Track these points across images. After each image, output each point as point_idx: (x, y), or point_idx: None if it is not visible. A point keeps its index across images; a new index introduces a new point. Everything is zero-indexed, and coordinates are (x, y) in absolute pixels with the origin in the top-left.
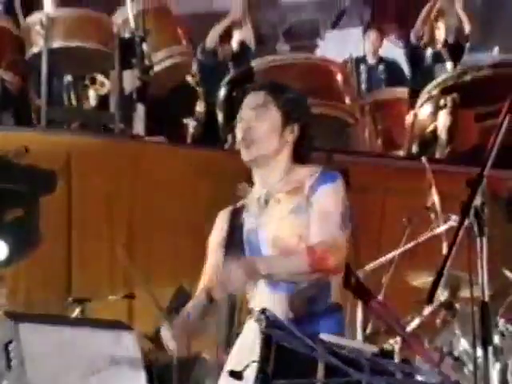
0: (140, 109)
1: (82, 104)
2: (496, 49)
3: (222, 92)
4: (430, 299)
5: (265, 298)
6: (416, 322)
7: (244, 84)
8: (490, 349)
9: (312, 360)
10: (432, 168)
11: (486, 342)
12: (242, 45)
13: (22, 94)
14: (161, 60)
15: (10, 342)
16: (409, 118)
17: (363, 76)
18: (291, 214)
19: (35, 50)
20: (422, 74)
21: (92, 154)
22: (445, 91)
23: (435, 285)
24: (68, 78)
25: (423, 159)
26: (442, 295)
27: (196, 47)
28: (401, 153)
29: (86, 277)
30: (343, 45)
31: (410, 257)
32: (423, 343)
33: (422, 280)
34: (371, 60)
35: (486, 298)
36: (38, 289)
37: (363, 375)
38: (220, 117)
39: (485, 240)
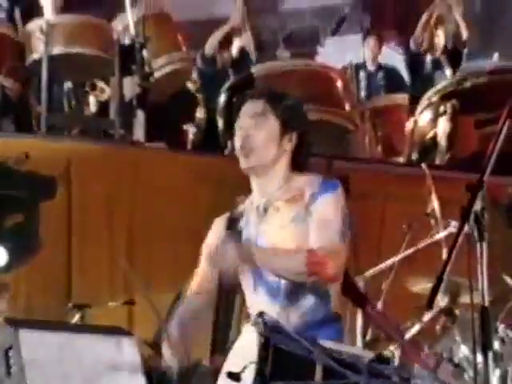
0: (140, 115)
1: (83, 110)
2: (496, 55)
3: (222, 98)
4: (429, 305)
5: (264, 307)
6: (416, 328)
7: (244, 90)
8: (490, 355)
9: (310, 362)
10: (432, 174)
11: (486, 347)
12: (242, 51)
13: (22, 101)
14: (161, 66)
15: (10, 348)
16: (409, 125)
17: (363, 83)
18: (291, 223)
19: (35, 56)
20: (421, 80)
21: (92, 161)
22: (445, 98)
23: (435, 290)
24: (68, 84)
25: (423, 165)
26: (441, 301)
27: (196, 54)
28: (401, 159)
29: (85, 283)
30: (343, 51)
31: (409, 263)
32: (421, 349)
33: (422, 286)
34: (370, 67)
35: (486, 303)
36: (38, 295)
37: (361, 377)
38: (220, 123)
39: (485, 245)
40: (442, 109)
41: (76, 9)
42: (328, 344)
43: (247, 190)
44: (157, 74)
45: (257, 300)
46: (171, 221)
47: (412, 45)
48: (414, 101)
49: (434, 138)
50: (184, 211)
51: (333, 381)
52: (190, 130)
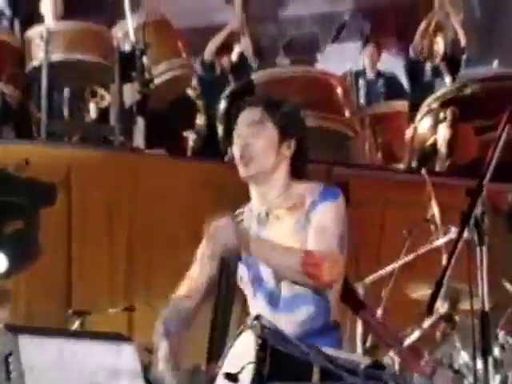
0: (140, 122)
1: (83, 117)
2: (495, 62)
3: (223, 105)
4: (429, 310)
5: (263, 314)
6: (416, 334)
7: (244, 97)
8: (490, 360)
9: (307, 364)
10: (432, 180)
11: (485, 351)
12: (241, 57)
13: (22, 108)
14: (161, 73)
15: (10, 354)
16: (409, 132)
17: (362, 90)
18: (292, 231)
19: (35, 63)
20: (421, 88)
21: (92, 167)
22: (444, 104)
23: (435, 295)
24: (68, 91)
25: (423, 171)
26: (441, 307)
27: (196, 60)
28: (401, 166)
29: (85, 289)
30: (343, 59)
31: (409, 269)
32: (421, 355)
33: (422, 292)
34: (370, 74)
35: (486, 308)
36: (38, 301)
37: (357, 379)
38: (220, 130)
39: (485, 249)
40: (441, 115)
41: (76, 16)
42: (326, 350)
43: (247, 197)
44: (157, 81)
45: (256, 306)
46: (171, 227)
47: (411, 52)
48: (414, 108)
49: (434, 144)
50: (184, 218)
51: (330, 382)
52: (190, 137)
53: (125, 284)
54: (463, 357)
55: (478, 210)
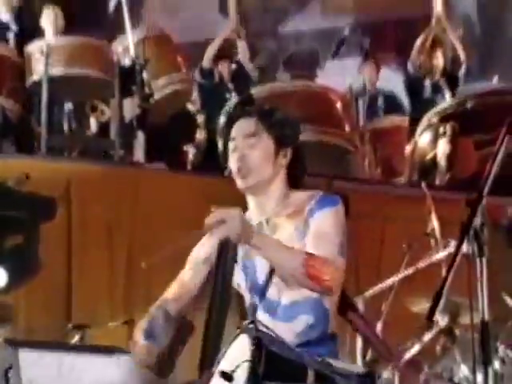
0: (140, 136)
1: (83, 131)
2: (495, 78)
3: (223, 119)
4: (429, 319)
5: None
6: (416, 348)
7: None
8: (491, 372)
9: (302, 367)
10: (432, 194)
11: (486, 361)
12: (240, 64)
13: (22, 122)
14: (161, 87)
15: (10, 367)
16: (409, 147)
17: (362, 110)
18: (292, 238)
19: (36, 77)
20: (421, 104)
21: (92, 181)
22: (444, 119)
23: (435, 304)
24: (69, 105)
25: (423, 185)
26: (441, 321)
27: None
28: (401, 180)
29: (85, 303)
30: (343, 74)
31: (409, 283)
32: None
33: (422, 306)
34: (369, 92)
35: (486, 318)
36: (38, 315)
37: (351, 382)
38: (220, 144)
39: (484, 260)
40: (441, 130)
41: (77, 31)
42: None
43: (246, 210)
44: (157, 95)
45: (255, 315)
46: (171, 241)
47: (410, 68)
48: (414, 122)
49: (434, 158)
50: (184, 232)
51: None
52: (190, 151)
53: (124, 298)
54: (463, 370)
55: (477, 221)
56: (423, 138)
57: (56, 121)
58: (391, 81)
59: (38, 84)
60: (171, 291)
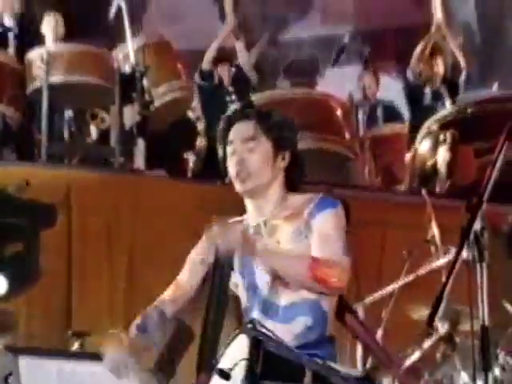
0: (140, 143)
1: (84, 139)
2: (495, 85)
3: (221, 123)
4: (430, 324)
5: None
6: (416, 355)
7: None
8: (491, 379)
9: (300, 367)
10: (432, 202)
11: (486, 367)
12: (240, 67)
13: (22, 129)
14: (161, 95)
15: (10, 374)
16: (408, 155)
17: (361, 120)
18: (290, 239)
19: (36, 84)
20: (422, 111)
21: (92, 189)
22: (444, 127)
23: (435, 309)
24: (69, 112)
25: (423, 192)
26: (441, 328)
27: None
28: (401, 188)
29: (85, 310)
30: (343, 82)
31: (410, 290)
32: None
33: (422, 313)
34: (369, 101)
35: (486, 323)
36: (38, 322)
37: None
38: (220, 151)
39: (485, 265)
40: (441, 138)
41: (77, 38)
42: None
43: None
44: (157, 103)
45: (251, 315)
46: (171, 249)
47: (410, 75)
48: (414, 130)
49: (434, 165)
50: (184, 239)
51: None
52: (190, 159)
53: (125, 305)
54: (463, 378)
55: (477, 226)
56: (423, 146)
57: (56, 128)
58: (391, 89)
59: (38, 91)
60: (168, 292)
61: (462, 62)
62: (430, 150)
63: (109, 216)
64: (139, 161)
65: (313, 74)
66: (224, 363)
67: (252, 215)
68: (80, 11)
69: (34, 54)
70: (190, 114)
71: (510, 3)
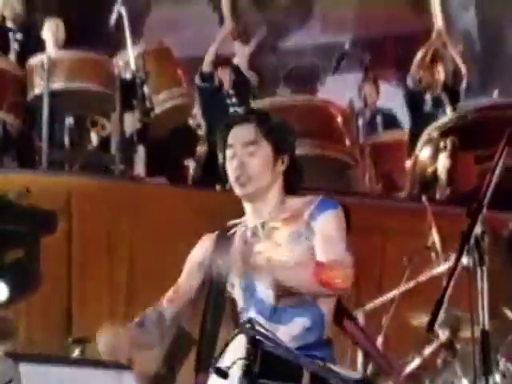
0: (141, 150)
1: (84, 146)
2: (496, 92)
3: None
4: (430, 327)
5: None
6: (416, 361)
7: None
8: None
9: (298, 367)
10: (432, 209)
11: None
12: (238, 69)
13: (23, 136)
14: (161, 102)
15: (11, 381)
16: (409, 162)
17: (361, 125)
18: (288, 241)
19: (37, 91)
20: (422, 118)
21: (93, 195)
22: (444, 134)
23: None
24: (69, 119)
25: (423, 198)
26: (442, 335)
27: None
28: (402, 194)
29: (86, 317)
30: (343, 90)
31: (410, 296)
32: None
33: (423, 320)
34: (369, 110)
35: (487, 327)
36: (39, 329)
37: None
38: (220, 158)
39: (485, 269)
40: (442, 144)
41: (78, 45)
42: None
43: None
44: (157, 110)
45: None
46: (172, 256)
47: (410, 82)
48: (415, 137)
49: (435, 172)
50: (184, 246)
51: None
52: (191, 166)
53: (125, 311)
54: None
55: (478, 230)
56: (424, 153)
57: (57, 135)
58: (391, 97)
59: (38, 98)
60: (167, 294)
61: (463, 69)
62: (431, 156)
63: (109, 223)
64: (140, 168)
65: (313, 82)
66: (223, 363)
67: (250, 217)
68: (81, 18)
69: (35, 61)
70: (191, 121)
71: (511, 11)
